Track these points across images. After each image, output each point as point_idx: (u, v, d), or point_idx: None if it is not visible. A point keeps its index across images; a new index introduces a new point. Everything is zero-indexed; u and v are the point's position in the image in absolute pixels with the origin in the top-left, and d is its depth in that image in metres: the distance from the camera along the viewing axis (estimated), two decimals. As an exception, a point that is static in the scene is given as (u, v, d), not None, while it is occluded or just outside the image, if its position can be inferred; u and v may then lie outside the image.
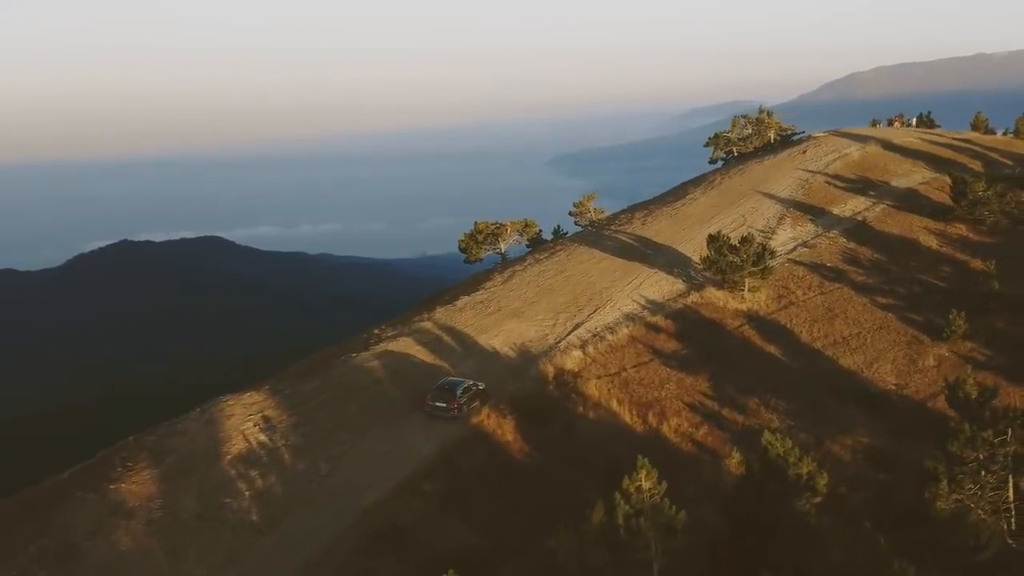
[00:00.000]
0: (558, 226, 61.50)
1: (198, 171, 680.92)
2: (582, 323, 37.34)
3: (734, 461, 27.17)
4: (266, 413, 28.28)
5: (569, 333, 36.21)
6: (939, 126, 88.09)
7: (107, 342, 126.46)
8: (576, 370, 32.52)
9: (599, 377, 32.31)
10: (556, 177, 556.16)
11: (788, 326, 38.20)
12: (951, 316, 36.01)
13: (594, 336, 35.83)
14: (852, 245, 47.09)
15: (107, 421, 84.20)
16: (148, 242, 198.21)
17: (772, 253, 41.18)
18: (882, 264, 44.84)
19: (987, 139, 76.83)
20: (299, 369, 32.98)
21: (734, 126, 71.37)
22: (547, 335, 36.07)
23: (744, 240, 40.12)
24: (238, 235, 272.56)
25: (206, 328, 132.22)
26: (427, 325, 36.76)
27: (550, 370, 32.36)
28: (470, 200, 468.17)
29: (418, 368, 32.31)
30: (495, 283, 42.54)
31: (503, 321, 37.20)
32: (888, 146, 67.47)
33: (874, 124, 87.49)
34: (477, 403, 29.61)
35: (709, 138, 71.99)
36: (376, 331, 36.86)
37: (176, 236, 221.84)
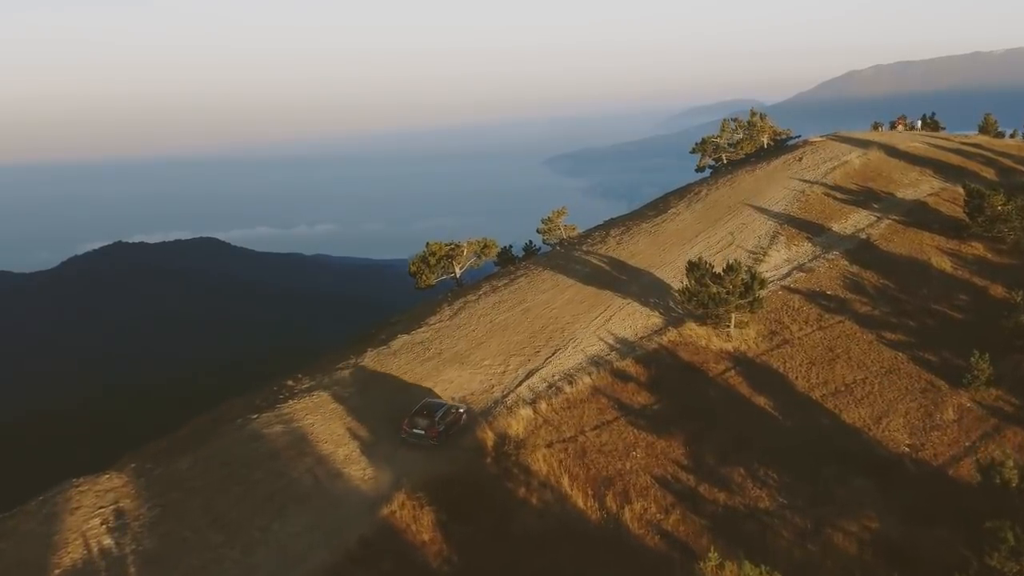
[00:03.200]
0: (529, 242, 55.81)
1: (196, 171, 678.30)
2: (537, 369, 31.49)
3: (711, 564, 21.46)
4: (121, 504, 22.41)
5: (520, 383, 30.34)
6: (944, 128, 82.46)
7: (102, 344, 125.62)
8: (522, 436, 26.64)
9: (549, 445, 26.47)
10: (554, 176, 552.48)
11: (781, 371, 32.47)
12: (973, 357, 30.63)
13: (549, 387, 29.98)
14: (855, 268, 41.34)
15: (104, 422, 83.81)
16: (142, 243, 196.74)
17: (763, 283, 35.30)
18: (889, 291, 39.13)
19: (998, 143, 71.09)
20: (181, 437, 27.03)
21: (723, 130, 64.68)
22: (493, 386, 30.22)
23: (729, 268, 34.32)
24: (235, 236, 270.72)
25: (201, 329, 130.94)
26: (350, 374, 30.87)
27: (489, 437, 26.48)
28: (468, 200, 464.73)
29: (328, 434, 26.43)
30: (441, 317, 36.63)
31: (443, 368, 31.34)
32: (892, 152, 61.70)
33: (876, 127, 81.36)
34: (456, 429, 26.93)
35: (696, 144, 65.52)
36: (289, 382, 30.92)
37: (171, 237, 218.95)
